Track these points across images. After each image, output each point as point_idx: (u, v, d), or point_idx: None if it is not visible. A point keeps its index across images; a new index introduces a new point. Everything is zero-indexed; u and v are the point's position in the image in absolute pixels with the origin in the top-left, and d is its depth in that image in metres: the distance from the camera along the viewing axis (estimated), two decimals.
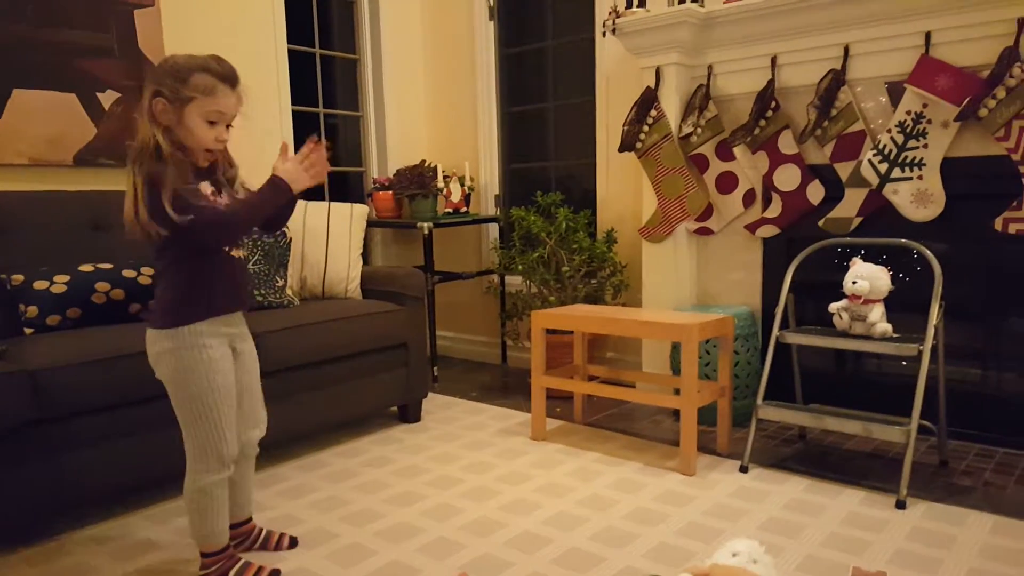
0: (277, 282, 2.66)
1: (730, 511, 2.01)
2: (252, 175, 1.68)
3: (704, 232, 3.04)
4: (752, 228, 2.90)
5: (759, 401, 2.33)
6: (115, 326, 2.24)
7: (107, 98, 2.79)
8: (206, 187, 1.56)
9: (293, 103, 3.48)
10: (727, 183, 2.95)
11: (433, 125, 4.10)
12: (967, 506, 2.00)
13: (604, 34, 3.02)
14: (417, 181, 3.49)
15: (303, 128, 3.61)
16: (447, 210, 3.68)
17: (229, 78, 1.53)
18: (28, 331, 2.19)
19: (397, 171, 3.69)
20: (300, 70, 3.58)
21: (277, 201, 1.58)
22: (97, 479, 1.96)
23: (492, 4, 3.82)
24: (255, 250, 2.62)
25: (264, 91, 3.31)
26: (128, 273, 2.37)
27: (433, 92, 4.08)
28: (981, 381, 2.56)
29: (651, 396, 2.43)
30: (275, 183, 1.57)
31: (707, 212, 2.99)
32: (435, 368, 3.49)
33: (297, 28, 3.57)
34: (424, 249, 3.40)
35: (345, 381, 2.59)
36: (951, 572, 1.65)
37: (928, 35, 2.42)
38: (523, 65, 3.83)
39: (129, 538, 1.94)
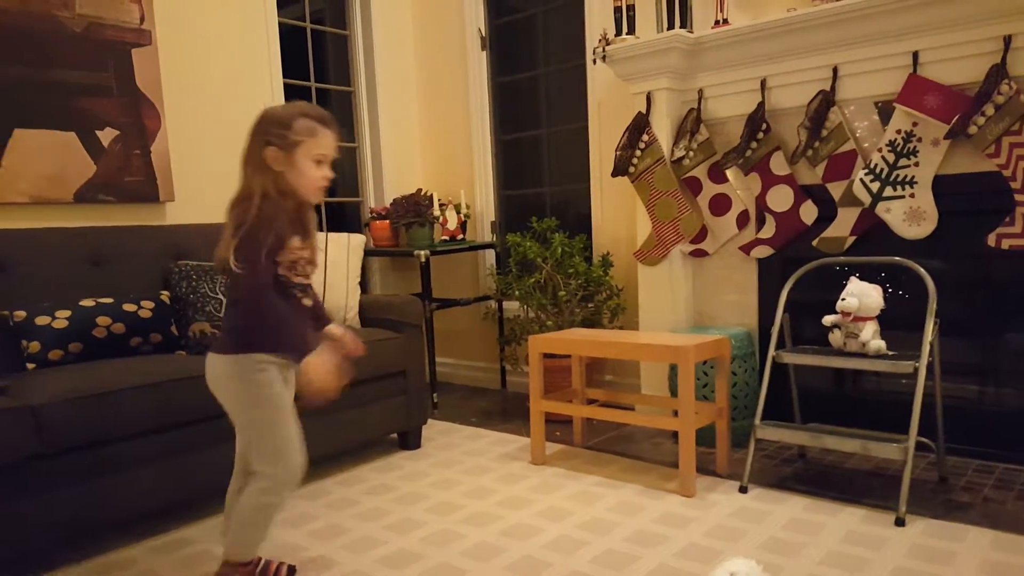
0: None
1: (730, 532, 2.00)
2: None
3: (699, 254, 3.06)
4: (747, 249, 2.91)
5: (757, 421, 2.33)
6: (117, 360, 2.26)
7: (106, 136, 2.84)
8: (295, 242, 1.61)
9: None
10: (721, 205, 2.98)
11: (428, 154, 4.15)
12: (966, 522, 1.99)
13: (595, 61, 3.07)
14: (413, 210, 3.53)
15: None
16: (444, 238, 3.71)
17: (325, 120, 1.63)
18: (30, 366, 2.21)
19: (394, 200, 3.73)
20: None
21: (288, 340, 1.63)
22: (100, 512, 1.97)
23: (484, 34, 3.89)
24: None
25: None
26: (129, 307, 2.40)
27: (428, 121, 4.14)
28: (979, 397, 2.56)
29: (649, 419, 2.43)
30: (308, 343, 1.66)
31: (701, 234, 3.01)
32: (435, 395, 3.49)
33: (292, 62, 3.64)
34: (422, 277, 3.43)
35: (344, 409, 2.60)
36: None
37: (916, 55, 2.45)
38: (516, 93, 3.89)
39: (132, 570, 1.94)
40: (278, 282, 1.58)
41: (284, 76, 3.49)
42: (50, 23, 2.68)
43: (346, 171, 4.07)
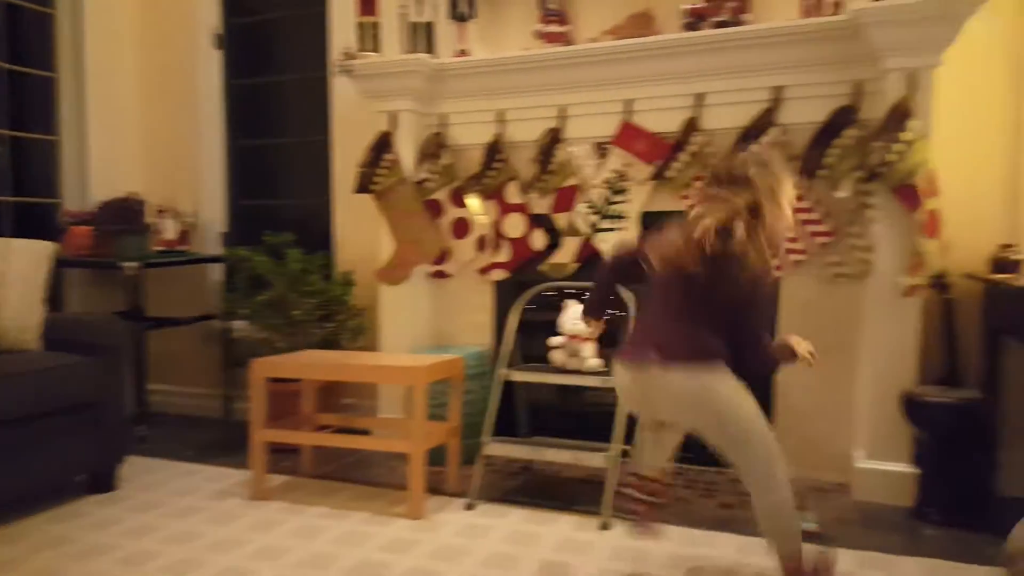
0: None
1: (454, 551, 1.99)
2: None
3: (440, 275, 3.08)
4: (484, 271, 3.00)
5: (485, 438, 2.37)
6: None
7: None
8: None
9: None
10: (461, 229, 3.03)
11: (148, 155, 3.71)
12: (661, 521, 2.19)
13: (336, 74, 2.99)
14: (122, 215, 3.10)
15: None
16: (160, 248, 3.32)
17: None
18: None
19: (102, 204, 3.25)
20: None
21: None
22: None
23: (219, 32, 3.61)
24: None
25: None
26: None
27: (150, 119, 3.70)
28: None
29: (378, 442, 2.37)
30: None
31: (443, 256, 3.04)
32: (142, 427, 3.06)
33: None
34: (131, 292, 3.01)
35: (13, 450, 2.15)
36: None
37: (629, 103, 2.73)
38: (255, 98, 3.65)
39: None
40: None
41: None
42: None
43: (38, 168, 3.46)
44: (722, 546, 2.03)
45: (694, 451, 2.73)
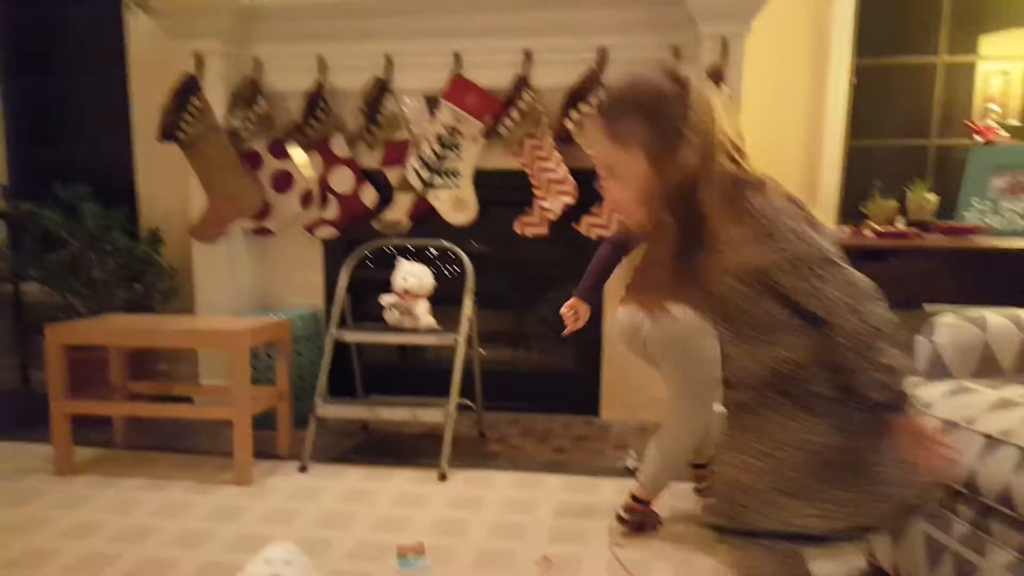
0: None
1: (285, 514, 1.95)
2: None
3: (263, 232, 2.91)
4: (311, 229, 2.88)
5: (317, 399, 2.32)
6: None
7: None
8: None
9: None
10: (283, 182, 2.85)
11: None
12: (496, 468, 2.28)
13: (130, 8, 2.66)
14: None
15: None
16: None
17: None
18: None
19: None
20: None
21: None
22: None
23: None
24: None
25: None
26: None
27: None
28: (511, 359, 2.98)
29: (199, 410, 2.23)
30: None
31: (264, 211, 2.86)
32: None
33: None
34: None
35: None
36: (478, 529, 1.86)
37: (457, 55, 2.67)
38: (37, 30, 3.18)
39: None
40: None
41: None
42: None
43: None
44: (552, 486, 2.14)
45: (531, 400, 2.87)
